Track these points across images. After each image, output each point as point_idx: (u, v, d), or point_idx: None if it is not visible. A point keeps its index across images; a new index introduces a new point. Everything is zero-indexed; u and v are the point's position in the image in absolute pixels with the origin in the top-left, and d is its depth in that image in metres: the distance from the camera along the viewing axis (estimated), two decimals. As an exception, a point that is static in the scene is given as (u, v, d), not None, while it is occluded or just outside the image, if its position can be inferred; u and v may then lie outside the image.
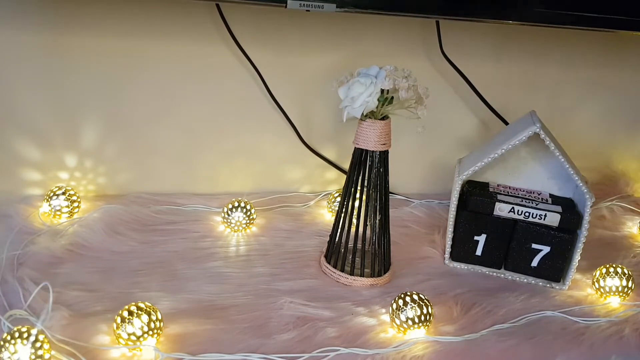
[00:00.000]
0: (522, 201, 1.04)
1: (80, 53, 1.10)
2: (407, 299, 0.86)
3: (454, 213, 1.06)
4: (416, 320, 0.85)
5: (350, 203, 0.99)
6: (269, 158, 1.27)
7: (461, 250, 1.08)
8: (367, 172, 0.97)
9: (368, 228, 0.99)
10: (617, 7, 1.08)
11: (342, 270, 1.00)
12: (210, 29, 1.14)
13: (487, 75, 1.28)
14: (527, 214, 1.03)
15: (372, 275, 1.00)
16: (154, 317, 0.79)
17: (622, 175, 1.42)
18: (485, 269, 1.08)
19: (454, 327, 0.90)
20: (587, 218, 1.00)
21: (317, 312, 0.90)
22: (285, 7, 0.98)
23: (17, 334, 0.72)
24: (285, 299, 0.92)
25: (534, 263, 1.04)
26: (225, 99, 1.21)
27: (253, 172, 1.27)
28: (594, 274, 1.02)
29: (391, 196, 1.14)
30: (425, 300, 0.86)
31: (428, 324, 0.86)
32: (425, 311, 0.85)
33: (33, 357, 0.72)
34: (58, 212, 1.09)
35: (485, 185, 1.10)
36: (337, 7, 0.99)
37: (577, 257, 1.01)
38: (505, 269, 1.07)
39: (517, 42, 1.29)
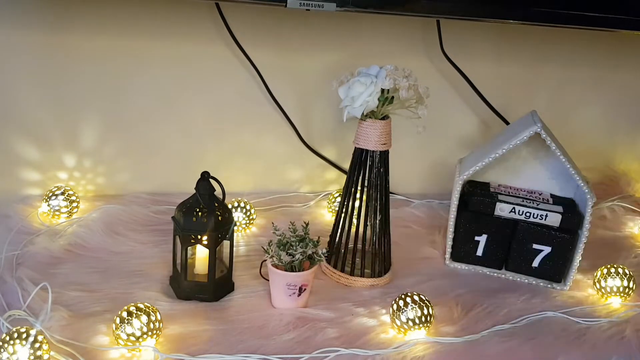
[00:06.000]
0: (523, 201, 1.04)
1: (80, 53, 1.10)
2: (408, 299, 0.86)
3: (455, 213, 1.06)
4: (417, 321, 0.85)
5: (350, 203, 0.99)
6: (269, 158, 1.27)
7: (462, 251, 1.07)
8: (368, 172, 0.97)
9: (368, 228, 0.99)
10: (618, 6, 1.08)
11: (342, 271, 1.00)
12: (210, 29, 1.14)
13: (488, 74, 1.28)
14: (528, 214, 1.02)
15: (372, 276, 1.00)
16: (153, 318, 0.79)
17: (623, 175, 1.42)
18: (486, 270, 1.07)
19: (455, 328, 0.90)
20: (588, 218, 0.99)
21: (317, 312, 0.90)
22: (285, 6, 0.97)
23: (16, 335, 0.72)
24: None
25: (535, 263, 1.04)
26: (225, 99, 1.20)
27: (253, 172, 1.27)
28: (595, 274, 1.02)
29: (391, 196, 1.13)
30: (425, 301, 0.86)
31: (428, 324, 0.86)
32: (425, 312, 0.85)
33: (32, 357, 0.71)
34: (57, 212, 1.09)
35: (486, 185, 1.09)
36: (337, 6, 0.99)
37: (578, 258, 1.01)
38: (506, 269, 1.07)
39: (518, 42, 1.28)
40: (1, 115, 1.10)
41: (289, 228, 0.91)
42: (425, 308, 0.85)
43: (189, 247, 0.90)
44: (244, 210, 1.12)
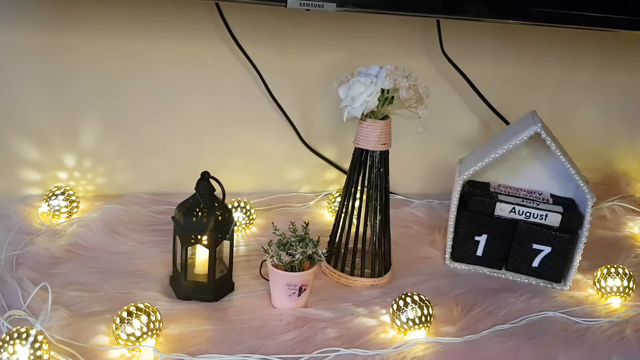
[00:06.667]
0: (523, 201, 1.04)
1: (80, 53, 1.10)
2: (408, 299, 0.86)
3: (455, 213, 1.06)
4: (417, 321, 0.85)
5: (350, 203, 0.99)
6: (269, 158, 1.27)
7: (462, 251, 1.07)
8: (368, 172, 0.97)
9: (368, 228, 0.99)
10: (618, 6, 1.08)
11: (342, 271, 1.00)
12: (210, 29, 1.14)
13: (488, 74, 1.28)
14: (528, 214, 1.02)
15: (372, 276, 1.00)
16: (153, 318, 0.79)
17: (623, 175, 1.42)
18: (486, 270, 1.07)
19: (455, 328, 0.90)
20: (588, 218, 0.99)
21: (317, 312, 0.90)
22: (285, 6, 0.97)
23: (16, 335, 0.72)
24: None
25: (535, 263, 1.04)
26: (225, 98, 1.20)
27: (253, 172, 1.27)
28: (595, 274, 1.02)
29: (391, 196, 1.13)
30: (425, 301, 0.86)
31: (428, 324, 0.86)
32: (425, 312, 0.85)
33: (32, 357, 0.71)
34: (57, 212, 1.09)
35: (486, 185, 1.09)
36: (337, 6, 0.99)
37: (578, 258, 1.01)
38: (506, 269, 1.07)
39: (518, 42, 1.28)
40: (1, 115, 1.10)
41: (289, 228, 0.91)
42: (425, 308, 0.85)
43: (189, 247, 0.90)
44: (244, 210, 1.12)
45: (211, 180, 0.90)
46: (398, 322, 0.86)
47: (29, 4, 1.05)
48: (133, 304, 0.79)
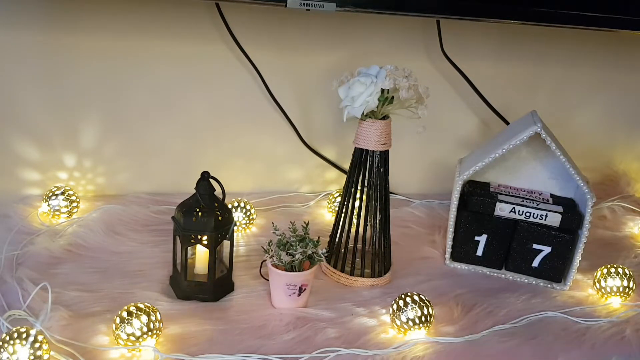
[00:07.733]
0: (523, 201, 1.04)
1: (80, 53, 1.10)
2: (408, 299, 0.86)
3: (455, 213, 1.06)
4: (417, 321, 0.85)
5: (350, 203, 0.99)
6: (269, 158, 1.27)
7: (462, 251, 1.07)
8: (368, 172, 0.97)
9: (368, 228, 0.99)
10: (618, 6, 1.08)
11: (342, 271, 1.00)
12: (210, 29, 1.14)
13: (488, 74, 1.28)
14: (528, 214, 1.02)
15: (372, 276, 1.00)
16: (153, 318, 0.79)
17: (623, 175, 1.42)
18: (486, 270, 1.07)
19: (455, 328, 0.90)
20: (588, 218, 0.99)
21: (317, 312, 0.90)
22: (285, 6, 0.97)
23: (16, 335, 0.72)
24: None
25: (535, 263, 1.04)
26: (225, 99, 1.20)
27: (253, 172, 1.27)
28: (595, 274, 1.02)
29: (391, 196, 1.13)
30: (425, 301, 0.86)
31: (428, 324, 0.86)
32: (425, 312, 0.85)
33: (32, 357, 0.71)
34: (57, 212, 1.09)
35: (486, 185, 1.09)
36: (337, 6, 0.99)
37: (578, 258, 1.01)
38: (506, 269, 1.07)
39: (518, 42, 1.28)
40: (1, 115, 1.10)
41: (289, 228, 0.91)
42: (425, 308, 0.85)
43: (189, 247, 0.90)
44: (244, 210, 1.12)
45: (211, 180, 0.90)
46: (398, 322, 0.86)
47: (29, 4, 1.05)
48: (133, 304, 0.79)
